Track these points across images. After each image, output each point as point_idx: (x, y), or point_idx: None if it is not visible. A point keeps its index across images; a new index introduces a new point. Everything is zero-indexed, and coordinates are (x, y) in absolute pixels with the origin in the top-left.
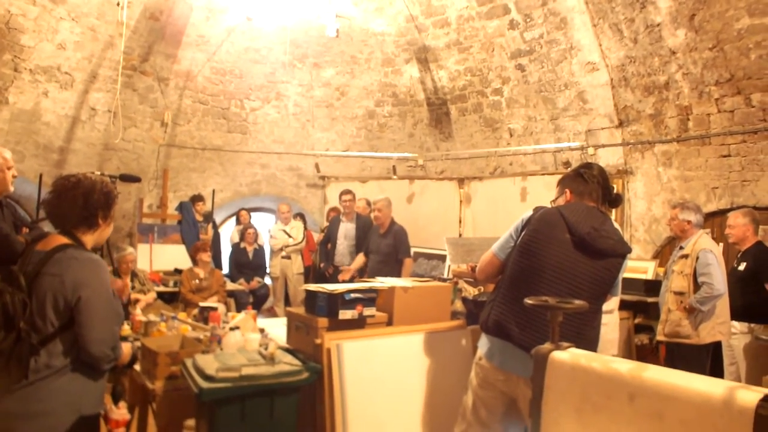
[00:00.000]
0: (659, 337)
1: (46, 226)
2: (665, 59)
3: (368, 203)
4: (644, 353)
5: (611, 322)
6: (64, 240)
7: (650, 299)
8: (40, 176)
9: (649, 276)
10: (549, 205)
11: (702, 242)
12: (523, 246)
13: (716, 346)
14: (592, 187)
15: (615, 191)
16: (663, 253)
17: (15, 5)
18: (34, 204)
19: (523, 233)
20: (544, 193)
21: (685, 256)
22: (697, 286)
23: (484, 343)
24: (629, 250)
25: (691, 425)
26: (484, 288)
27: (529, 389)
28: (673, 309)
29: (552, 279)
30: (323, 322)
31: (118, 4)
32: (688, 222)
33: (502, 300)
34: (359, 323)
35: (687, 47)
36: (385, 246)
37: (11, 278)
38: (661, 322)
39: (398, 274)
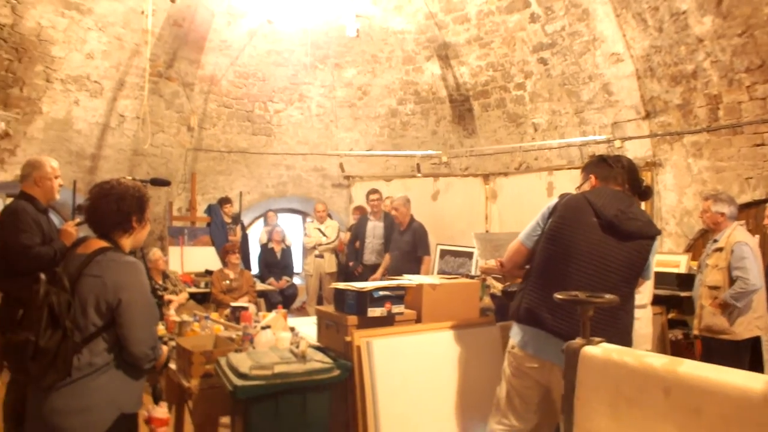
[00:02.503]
0: (695, 332)
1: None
2: (692, 47)
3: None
4: (679, 349)
5: (644, 316)
6: (102, 243)
7: (683, 293)
8: (74, 183)
9: (682, 270)
10: (574, 192)
11: (737, 234)
12: (551, 232)
13: (755, 342)
14: (617, 171)
15: (644, 183)
16: (695, 247)
17: (45, 18)
18: (69, 210)
19: (549, 220)
20: (571, 187)
21: (720, 249)
22: (732, 280)
23: (516, 332)
24: (658, 232)
25: (731, 420)
26: (512, 283)
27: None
28: (706, 305)
29: (582, 264)
30: (353, 319)
31: (142, 13)
32: (722, 214)
33: (532, 288)
34: (388, 320)
35: (715, 34)
36: (405, 243)
37: (56, 280)
38: (696, 317)
39: (418, 272)
